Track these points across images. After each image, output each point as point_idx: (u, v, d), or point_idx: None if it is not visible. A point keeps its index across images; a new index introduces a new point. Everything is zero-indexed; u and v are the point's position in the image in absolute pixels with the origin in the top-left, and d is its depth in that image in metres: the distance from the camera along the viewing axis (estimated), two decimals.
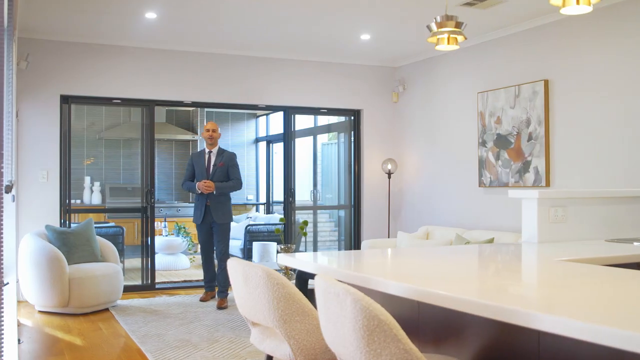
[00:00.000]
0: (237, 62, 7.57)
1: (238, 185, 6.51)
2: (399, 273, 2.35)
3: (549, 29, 6.03)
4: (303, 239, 9.07)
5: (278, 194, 12.00)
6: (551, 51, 6.00)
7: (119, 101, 7.22)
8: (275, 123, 11.88)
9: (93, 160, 11.02)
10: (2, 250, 3.22)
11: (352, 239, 8.30)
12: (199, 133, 11.73)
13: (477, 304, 1.79)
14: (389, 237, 8.04)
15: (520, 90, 6.30)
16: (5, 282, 3.33)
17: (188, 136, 11.67)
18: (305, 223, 5.55)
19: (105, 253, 6.58)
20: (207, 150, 6.59)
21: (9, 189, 3.27)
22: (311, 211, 9.49)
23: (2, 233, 3.17)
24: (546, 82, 6.03)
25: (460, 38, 3.24)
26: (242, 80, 7.58)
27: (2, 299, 3.24)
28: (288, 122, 8.02)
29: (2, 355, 3.22)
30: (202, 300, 6.64)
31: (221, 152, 6.61)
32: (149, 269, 7.40)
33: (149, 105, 7.34)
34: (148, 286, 7.37)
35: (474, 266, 2.62)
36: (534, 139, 6.15)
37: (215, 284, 6.63)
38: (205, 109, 11.56)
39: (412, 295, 2.00)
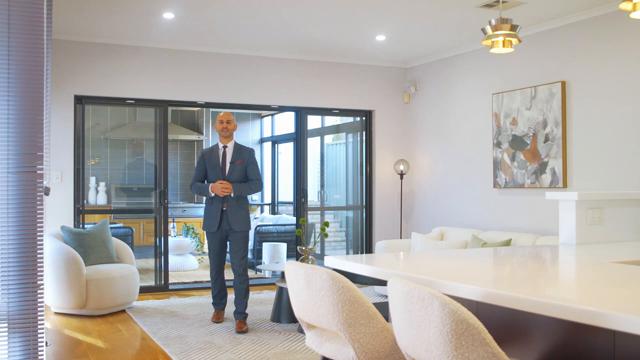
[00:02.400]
0: (251, 63, 7.56)
1: (258, 186, 5.62)
2: (461, 275, 2.34)
3: (566, 30, 6.05)
4: (312, 240, 9.06)
5: (283, 195, 12.00)
6: (569, 53, 6.02)
7: (132, 101, 7.19)
8: (281, 123, 11.87)
9: (98, 161, 10.97)
10: (42, 252, 3.20)
11: (364, 240, 8.30)
12: (204, 133, 11.71)
13: (557, 307, 1.79)
14: (401, 238, 8.05)
15: (536, 91, 6.32)
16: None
17: (193, 136, 11.65)
18: (326, 224, 5.54)
19: (121, 254, 6.55)
20: (221, 145, 5.63)
21: (47, 191, 3.26)
22: (318, 212, 9.48)
23: (42, 234, 3.16)
24: (563, 84, 6.05)
25: (514, 41, 3.25)
26: (255, 80, 7.57)
27: (43, 301, 3.22)
28: (301, 123, 8.01)
29: (42, 357, 3.20)
30: (216, 320, 5.75)
31: (238, 147, 5.65)
32: (162, 270, 7.38)
33: (162, 105, 7.31)
34: (161, 287, 7.34)
35: (529, 267, 2.63)
36: (550, 140, 6.17)
37: (225, 300, 5.84)
38: (211, 109, 11.53)
39: (484, 298, 2.00)
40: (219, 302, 5.81)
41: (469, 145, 7.28)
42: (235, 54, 7.49)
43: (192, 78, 7.31)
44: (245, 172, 5.59)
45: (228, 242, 5.65)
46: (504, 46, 3.15)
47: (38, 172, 3.19)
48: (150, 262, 8.93)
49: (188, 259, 9.25)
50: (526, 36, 6.45)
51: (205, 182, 5.64)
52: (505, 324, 2.35)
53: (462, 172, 7.40)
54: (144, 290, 7.12)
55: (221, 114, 5.62)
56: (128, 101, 7.16)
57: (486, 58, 7.00)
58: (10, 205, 3.11)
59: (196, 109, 11.56)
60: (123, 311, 6.30)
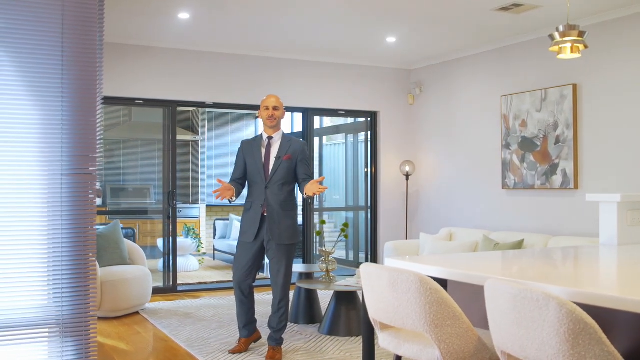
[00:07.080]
0: (259, 64, 7.56)
1: None
2: (533, 276, 2.39)
3: None
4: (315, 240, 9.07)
5: None
6: (581, 56, 6.12)
7: (141, 102, 7.14)
8: None
9: None
10: (94, 256, 3.18)
11: (369, 241, 8.35)
12: (200, 133, 11.65)
13: None
14: (406, 239, 8.12)
15: (547, 94, 6.42)
16: None
17: (188, 136, 11.59)
18: (346, 225, 5.56)
19: (133, 255, 6.51)
20: (265, 136, 4.62)
21: (99, 193, 3.24)
22: (317, 212, 9.50)
23: (95, 238, 3.14)
24: (575, 86, 6.16)
25: (581, 47, 3.32)
26: (263, 81, 7.57)
27: (95, 304, 3.20)
28: (308, 124, 8.03)
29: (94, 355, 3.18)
30: (236, 351, 4.75)
31: (287, 139, 4.63)
32: (171, 271, 7.35)
33: (170, 106, 7.28)
34: (170, 288, 7.31)
35: (595, 267, 2.69)
36: (561, 142, 6.28)
37: (253, 327, 4.82)
38: (207, 110, 11.49)
39: (574, 298, 2.05)
40: (246, 328, 4.81)
41: (477, 146, 7.37)
42: (242, 54, 7.48)
43: (200, 79, 7.29)
44: (295, 170, 4.59)
45: (266, 258, 4.68)
46: (572, 52, 3.22)
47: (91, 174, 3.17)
48: (150, 263, 8.86)
49: (189, 260, 9.21)
50: (538, 39, 6.54)
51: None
52: None
53: (469, 173, 7.48)
54: (153, 291, 7.06)
55: (266, 98, 4.60)
56: (137, 102, 7.11)
57: (495, 60, 7.09)
58: (63, 207, 3.09)
59: (191, 108, 11.50)
60: (137, 313, 6.25)
